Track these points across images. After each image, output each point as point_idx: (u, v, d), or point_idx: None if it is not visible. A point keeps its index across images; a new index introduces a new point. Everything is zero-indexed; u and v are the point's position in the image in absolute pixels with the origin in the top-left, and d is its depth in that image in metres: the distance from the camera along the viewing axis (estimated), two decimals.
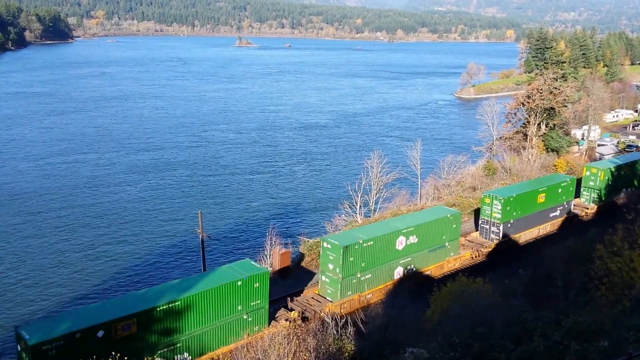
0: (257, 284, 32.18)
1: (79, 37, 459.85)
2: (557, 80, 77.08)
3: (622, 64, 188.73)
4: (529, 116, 76.52)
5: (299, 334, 25.76)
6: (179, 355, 29.27)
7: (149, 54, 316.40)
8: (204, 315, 30.09)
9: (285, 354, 22.98)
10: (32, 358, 24.09)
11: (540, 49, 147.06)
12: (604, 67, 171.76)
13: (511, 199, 48.69)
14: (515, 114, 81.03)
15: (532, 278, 34.89)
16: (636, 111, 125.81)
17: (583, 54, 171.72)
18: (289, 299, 37.18)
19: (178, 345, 29.27)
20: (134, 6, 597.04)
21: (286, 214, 67.13)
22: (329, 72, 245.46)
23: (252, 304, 32.14)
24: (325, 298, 38.06)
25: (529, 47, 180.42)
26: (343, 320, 30.28)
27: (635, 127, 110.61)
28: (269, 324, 33.52)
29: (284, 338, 24.23)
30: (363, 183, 56.58)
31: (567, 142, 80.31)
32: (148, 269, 51.81)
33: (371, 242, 38.48)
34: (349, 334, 29.46)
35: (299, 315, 35.13)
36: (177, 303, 28.77)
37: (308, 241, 48.84)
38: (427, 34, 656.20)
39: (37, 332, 25.02)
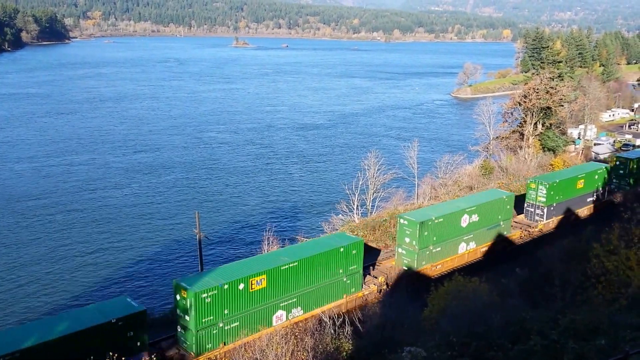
0: (355, 251, 37.64)
1: (76, 37, 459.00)
2: (553, 80, 77.30)
3: (618, 64, 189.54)
4: (526, 116, 76.70)
5: (296, 334, 25.78)
6: (294, 309, 34.82)
7: (146, 55, 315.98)
8: (315, 276, 35.63)
9: (283, 354, 22.97)
10: (194, 303, 29.63)
11: (536, 48, 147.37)
12: (600, 66, 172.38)
13: (555, 184, 52.89)
14: (511, 113, 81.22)
15: (529, 277, 34.97)
16: (632, 110, 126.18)
17: (579, 53, 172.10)
18: (371, 267, 42.90)
19: (294, 300, 34.71)
20: (131, 7, 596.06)
21: (283, 214, 67.12)
22: (325, 73, 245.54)
23: (350, 268, 37.58)
24: (403, 268, 43.26)
25: (526, 46, 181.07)
26: (340, 320, 30.31)
27: (632, 126, 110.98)
28: (362, 287, 39.20)
29: (282, 338, 24.22)
30: (360, 183, 56.58)
31: (564, 141, 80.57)
32: (146, 269, 51.75)
33: (442, 219, 43.50)
34: (347, 333, 29.46)
35: (384, 281, 40.77)
36: (295, 264, 34.27)
37: (305, 241, 48.82)
38: (424, 34, 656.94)
39: (196, 284, 30.70)
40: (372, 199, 57.82)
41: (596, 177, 58.08)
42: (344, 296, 37.45)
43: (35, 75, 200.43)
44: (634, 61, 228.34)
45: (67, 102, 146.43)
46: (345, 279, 37.31)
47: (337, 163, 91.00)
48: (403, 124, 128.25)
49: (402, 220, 43.13)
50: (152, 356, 25.66)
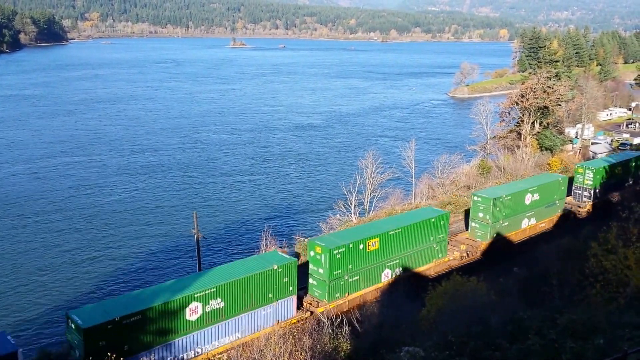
0: (442, 221, 44.19)
1: (74, 39, 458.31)
2: (550, 79, 77.31)
3: (615, 63, 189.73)
4: (523, 115, 76.72)
5: (294, 334, 25.73)
6: (397, 269, 41.42)
7: (143, 56, 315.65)
8: (413, 242, 42.01)
9: (282, 354, 22.92)
10: (327, 258, 36.35)
11: (533, 48, 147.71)
12: (597, 65, 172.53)
13: (600, 169, 59.41)
14: (509, 113, 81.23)
15: (527, 276, 34.97)
16: (629, 109, 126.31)
17: (576, 52, 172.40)
18: (449, 238, 47.60)
19: (397, 261, 41.31)
20: (128, 8, 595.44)
21: (281, 214, 67.04)
22: (322, 73, 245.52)
23: (438, 236, 44.11)
24: (475, 240, 49.14)
25: (523, 46, 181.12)
26: (339, 320, 30.27)
27: (629, 125, 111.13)
28: (447, 254, 45.63)
29: (280, 337, 24.16)
30: (357, 183, 56.58)
31: (561, 140, 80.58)
32: (144, 269, 51.63)
33: (510, 197, 49.53)
34: (345, 333, 29.44)
35: (465, 249, 47.10)
36: (399, 230, 40.93)
37: (304, 240, 48.83)
38: (421, 34, 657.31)
39: (328, 242, 37.45)
40: (369, 198, 57.82)
41: (633, 164, 64.62)
42: (433, 261, 44.27)
43: (33, 77, 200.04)
44: (631, 60, 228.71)
45: (64, 103, 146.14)
46: (435, 246, 44.05)
47: (335, 163, 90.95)
48: (400, 123, 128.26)
49: (476, 198, 49.19)
50: None
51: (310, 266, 37.40)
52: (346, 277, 37.65)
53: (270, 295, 33.85)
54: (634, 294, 23.88)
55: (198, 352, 31.12)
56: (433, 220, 43.34)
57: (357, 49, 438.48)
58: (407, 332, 27.33)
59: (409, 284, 39.53)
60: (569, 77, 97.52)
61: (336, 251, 36.42)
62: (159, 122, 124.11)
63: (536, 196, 52.27)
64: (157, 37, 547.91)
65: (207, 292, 30.85)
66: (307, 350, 24.08)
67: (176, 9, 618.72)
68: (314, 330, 28.03)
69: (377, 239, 39.21)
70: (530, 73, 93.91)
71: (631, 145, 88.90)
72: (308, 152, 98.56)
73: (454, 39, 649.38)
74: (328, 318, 30.74)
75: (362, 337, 29.69)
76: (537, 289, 29.86)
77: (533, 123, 76.30)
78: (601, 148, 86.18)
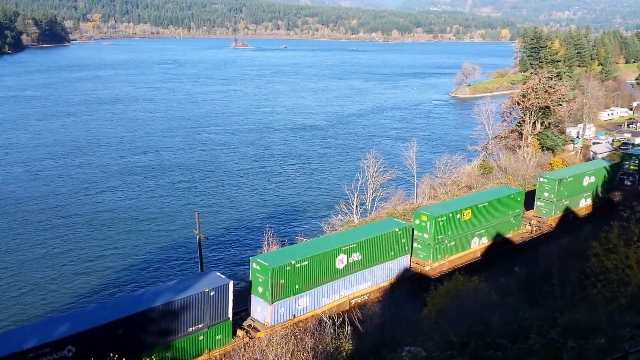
0: (519, 198, 50.59)
1: (76, 40, 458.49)
2: (552, 79, 77.32)
3: (616, 63, 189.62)
4: (524, 115, 76.71)
5: (296, 334, 25.76)
6: (483, 238, 47.63)
7: (145, 57, 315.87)
8: (496, 215, 48.15)
9: (283, 354, 22.96)
10: (432, 224, 42.91)
11: (535, 48, 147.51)
12: (598, 65, 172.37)
13: None
14: (510, 113, 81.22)
15: (527, 276, 34.97)
16: (631, 109, 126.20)
17: (578, 52, 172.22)
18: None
19: (483, 231, 47.44)
20: (130, 9, 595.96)
21: (283, 214, 67.09)
22: (324, 73, 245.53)
23: (515, 211, 50.47)
24: (541, 217, 54.78)
25: (524, 46, 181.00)
26: (340, 320, 30.32)
27: (630, 125, 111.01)
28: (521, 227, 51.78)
29: (282, 338, 24.21)
30: (359, 183, 56.60)
31: (562, 140, 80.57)
32: (146, 269, 51.71)
33: (571, 179, 55.67)
34: (347, 333, 29.48)
35: (537, 224, 53.12)
36: (486, 204, 47.54)
37: (305, 241, 48.81)
38: (423, 34, 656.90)
39: (433, 211, 44.84)
40: (371, 199, 57.85)
41: None
42: (510, 232, 50.05)
43: (35, 78, 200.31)
44: (633, 60, 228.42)
45: (65, 104, 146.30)
46: (512, 219, 50.05)
47: (336, 164, 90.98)
48: (402, 124, 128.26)
49: (542, 179, 55.36)
50: None
51: (416, 232, 43.71)
52: (446, 242, 44.31)
53: (392, 253, 40.77)
54: (635, 294, 23.90)
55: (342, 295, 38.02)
56: (512, 196, 49.44)
57: (358, 50, 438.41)
58: (408, 332, 27.37)
59: (492, 251, 47.63)
60: (570, 77, 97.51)
61: (440, 219, 43.09)
62: (160, 123, 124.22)
63: (593, 179, 58.45)
64: (159, 38, 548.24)
65: (350, 246, 37.62)
66: (309, 350, 24.13)
67: (178, 9, 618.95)
68: (316, 330, 28.08)
69: (470, 210, 45.48)
70: (531, 73, 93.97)
71: (633, 145, 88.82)
72: (309, 152, 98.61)
73: (455, 39, 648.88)
74: (330, 318, 30.78)
75: (363, 337, 29.72)
76: (538, 289, 29.87)
77: (534, 123, 76.28)
78: (602, 148, 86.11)
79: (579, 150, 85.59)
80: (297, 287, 34.75)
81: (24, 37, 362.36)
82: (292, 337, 24.70)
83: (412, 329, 28.26)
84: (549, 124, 77.89)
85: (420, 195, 63.04)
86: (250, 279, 35.12)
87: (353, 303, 38.06)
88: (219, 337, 31.46)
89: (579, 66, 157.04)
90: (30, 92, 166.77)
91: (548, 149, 76.88)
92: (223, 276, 32.88)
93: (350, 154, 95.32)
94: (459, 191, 63.21)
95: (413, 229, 43.49)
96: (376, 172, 57.98)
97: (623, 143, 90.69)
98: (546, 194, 54.91)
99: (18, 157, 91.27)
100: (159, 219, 64.62)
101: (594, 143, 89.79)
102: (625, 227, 28.43)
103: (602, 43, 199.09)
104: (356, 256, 37.93)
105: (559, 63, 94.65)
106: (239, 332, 33.19)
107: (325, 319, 30.41)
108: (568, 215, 56.06)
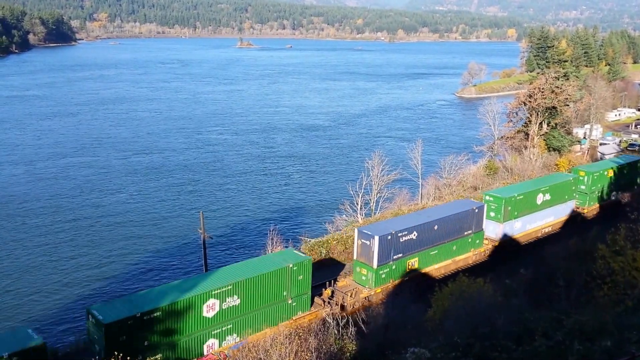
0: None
1: (82, 39, 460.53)
2: (558, 79, 76.86)
3: (624, 63, 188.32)
4: (531, 115, 76.34)
5: (300, 334, 25.70)
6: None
7: (150, 56, 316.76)
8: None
9: (287, 354, 22.89)
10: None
11: (541, 47, 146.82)
12: (606, 65, 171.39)
13: None
14: (516, 113, 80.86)
15: (533, 277, 34.77)
16: (639, 110, 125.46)
17: (585, 52, 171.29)
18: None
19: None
20: (137, 8, 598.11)
21: (287, 214, 67.07)
22: (329, 73, 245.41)
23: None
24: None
25: (531, 46, 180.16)
26: (344, 320, 30.23)
27: (638, 126, 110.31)
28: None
29: (286, 338, 24.15)
30: (364, 183, 56.50)
31: (569, 141, 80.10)
32: (150, 269, 51.79)
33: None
34: (350, 334, 29.39)
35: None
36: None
37: (310, 240, 48.79)
38: (428, 33, 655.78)
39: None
40: (375, 199, 57.72)
41: None
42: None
43: (40, 77, 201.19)
44: None
45: (70, 104, 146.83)
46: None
47: (341, 164, 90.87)
48: (407, 124, 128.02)
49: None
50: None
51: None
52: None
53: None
54: None
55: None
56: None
57: (364, 49, 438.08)
58: (413, 333, 27.23)
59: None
60: (577, 77, 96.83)
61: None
62: (164, 122, 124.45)
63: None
64: (165, 38, 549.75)
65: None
66: (313, 350, 24.06)
67: (184, 9, 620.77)
68: (320, 330, 28.00)
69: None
70: (538, 73, 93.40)
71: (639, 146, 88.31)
72: (314, 152, 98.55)
73: (461, 39, 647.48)
74: (333, 319, 30.69)
75: (367, 338, 29.61)
76: (544, 290, 29.70)
77: (541, 123, 75.91)
78: (609, 149, 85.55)
79: (586, 151, 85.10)
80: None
81: (31, 37, 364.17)
82: (296, 337, 24.65)
83: (417, 330, 28.13)
84: (556, 124, 77.48)
85: (425, 196, 62.85)
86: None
87: None
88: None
89: (587, 66, 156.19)
90: (35, 91, 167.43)
91: (555, 149, 76.48)
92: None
93: (355, 154, 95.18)
94: (464, 192, 62.97)
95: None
96: (381, 172, 57.83)
97: (630, 144, 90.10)
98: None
99: (21, 156, 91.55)
100: (162, 219, 64.69)
101: (601, 144, 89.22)
102: (632, 229, 28.24)
103: (610, 43, 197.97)
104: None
105: (566, 63, 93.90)
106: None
107: (329, 320, 30.33)
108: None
